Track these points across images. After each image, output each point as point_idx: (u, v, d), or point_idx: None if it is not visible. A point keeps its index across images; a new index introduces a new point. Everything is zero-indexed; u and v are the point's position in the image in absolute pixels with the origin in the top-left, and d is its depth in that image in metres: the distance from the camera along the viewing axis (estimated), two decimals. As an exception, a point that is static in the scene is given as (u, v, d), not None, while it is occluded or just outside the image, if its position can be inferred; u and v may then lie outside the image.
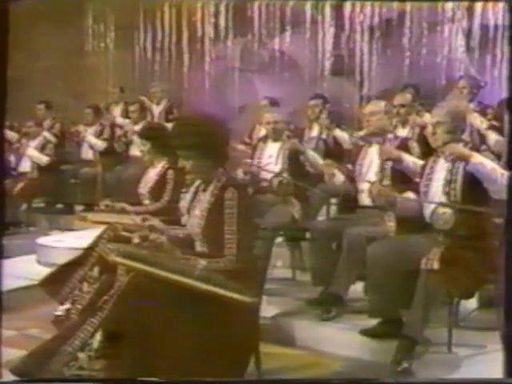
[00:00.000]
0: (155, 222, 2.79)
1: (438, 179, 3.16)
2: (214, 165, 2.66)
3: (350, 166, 3.89)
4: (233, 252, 2.47)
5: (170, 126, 5.90)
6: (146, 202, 4.12)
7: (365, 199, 3.62)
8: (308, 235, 3.92)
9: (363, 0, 6.92)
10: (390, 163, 3.59)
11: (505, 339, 2.53)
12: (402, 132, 4.63)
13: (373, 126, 3.72)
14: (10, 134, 6.70)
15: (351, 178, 3.74)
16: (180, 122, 2.81)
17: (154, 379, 2.32)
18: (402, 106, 4.75)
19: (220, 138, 2.70)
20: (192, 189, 2.75)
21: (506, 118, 2.98)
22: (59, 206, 6.50)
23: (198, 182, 2.74)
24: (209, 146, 2.60)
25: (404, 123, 4.75)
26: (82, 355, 2.41)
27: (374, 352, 3.12)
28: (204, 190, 2.68)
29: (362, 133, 4.12)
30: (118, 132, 6.50)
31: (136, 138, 5.21)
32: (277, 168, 4.23)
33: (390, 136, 3.78)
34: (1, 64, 2.47)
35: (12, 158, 6.34)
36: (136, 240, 2.65)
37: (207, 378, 2.36)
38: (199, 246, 2.64)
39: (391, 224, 3.33)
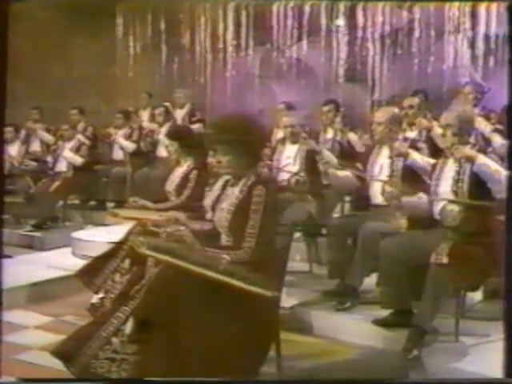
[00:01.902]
0: (179, 214, 2.79)
1: (447, 179, 3.15)
2: (249, 163, 2.62)
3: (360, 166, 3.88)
4: (251, 245, 2.45)
5: (194, 127, 5.98)
6: (172, 199, 4.13)
7: (377, 197, 3.59)
8: (324, 231, 3.92)
9: (376, 0, 6.87)
10: (400, 163, 3.56)
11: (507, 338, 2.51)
12: (411, 134, 4.61)
13: (378, 134, 3.69)
14: (47, 137, 6.79)
15: (362, 178, 3.71)
16: (224, 119, 2.74)
17: (156, 379, 2.32)
18: (411, 107, 4.74)
19: (259, 139, 2.69)
20: (220, 183, 2.73)
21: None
22: (92, 202, 6.55)
23: (226, 177, 2.73)
24: (248, 144, 2.57)
25: (412, 125, 4.72)
26: (115, 340, 2.42)
27: (386, 340, 3.11)
28: (233, 186, 2.66)
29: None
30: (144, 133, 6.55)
31: (163, 139, 5.23)
32: (295, 168, 4.22)
33: (400, 138, 3.75)
34: (1, 64, 2.46)
35: (49, 159, 6.40)
36: (163, 234, 2.65)
37: (231, 364, 2.35)
38: (225, 240, 2.63)
39: (403, 221, 3.31)
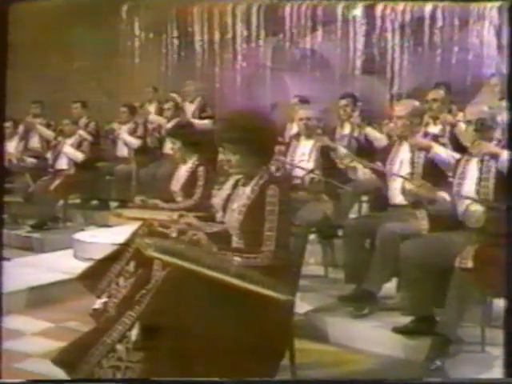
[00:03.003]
0: (191, 218, 2.79)
1: (471, 177, 3.13)
2: (259, 162, 2.62)
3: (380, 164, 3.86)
4: (271, 248, 2.46)
5: (198, 123, 6.00)
6: (179, 198, 4.16)
7: (396, 197, 3.58)
8: (340, 232, 3.92)
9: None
10: (421, 160, 3.55)
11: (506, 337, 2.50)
12: (434, 129, 4.59)
13: (399, 129, 3.68)
14: (47, 132, 6.82)
15: (382, 176, 3.71)
16: (232, 116, 2.74)
17: (157, 379, 2.33)
18: (435, 100, 4.71)
19: (270, 136, 2.68)
20: (231, 182, 2.73)
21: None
22: (95, 202, 6.58)
23: (237, 177, 2.73)
24: (258, 142, 2.57)
25: (435, 119, 4.70)
26: (120, 347, 2.43)
27: (407, 350, 3.10)
28: (244, 185, 2.66)
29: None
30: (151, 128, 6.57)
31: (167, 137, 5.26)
32: (309, 165, 4.22)
33: (420, 133, 3.74)
34: (1, 64, 2.49)
35: (49, 156, 6.43)
36: (174, 234, 2.66)
37: (243, 373, 2.36)
38: (236, 242, 2.63)
39: (424, 222, 3.31)
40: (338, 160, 4.14)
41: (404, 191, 3.29)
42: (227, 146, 2.61)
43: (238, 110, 2.90)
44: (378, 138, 5.08)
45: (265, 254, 2.47)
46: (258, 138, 2.56)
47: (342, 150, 4.28)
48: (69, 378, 2.48)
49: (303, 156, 4.31)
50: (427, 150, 3.47)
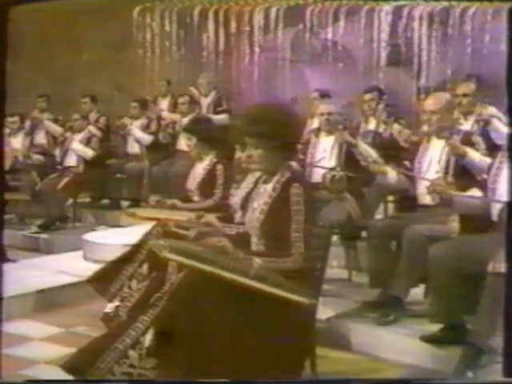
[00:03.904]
0: (211, 218, 2.80)
1: (506, 177, 3.09)
2: (282, 157, 2.63)
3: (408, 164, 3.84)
4: (301, 250, 2.46)
5: (216, 118, 5.99)
6: (195, 197, 4.16)
7: (425, 197, 3.56)
8: (364, 234, 3.90)
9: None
10: (452, 159, 3.52)
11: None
12: (465, 125, 4.55)
13: (434, 125, 3.65)
14: (55, 128, 6.87)
15: (410, 176, 3.68)
16: (255, 109, 2.75)
17: (157, 379, 2.33)
18: (465, 95, 4.67)
19: (294, 131, 2.69)
20: (250, 179, 2.73)
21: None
22: (105, 201, 6.62)
23: (256, 174, 2.73)
24: (282, 136, 2.57)
25: (466, 115, 4.66)
26: (132, 353, 2.44)
27: (436, 360, 3.08)
28: (265, 182, 2.67)
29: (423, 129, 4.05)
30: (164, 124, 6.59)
31: (183, 132, 5.27)
32: (331, 163, 4.21)
33: (453, 130, 3.71)
34: (1, 64, 2.53)
35: (57, 152, 6.47)
36: (192, 235, 2.66)
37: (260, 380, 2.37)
38: (255, 243, 2.63)
39: (454, 223, 3.28)
40: (360, 158, 4.13)
41: (433, 191, 3.26)
42: (249, 141, 2.62)
43: (261, 104, 2.91)
44: (406, 136, 5.04)
45: (295, 256, 2.47)
46: (282, 133, 2.57)
47: (364, 146, 4.27)
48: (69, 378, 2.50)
49: (324, 153, 4.30)
50: (462, 156, 3.43)
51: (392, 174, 3.66)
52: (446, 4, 6.90)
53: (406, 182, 3.67)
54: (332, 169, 4.17)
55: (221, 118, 6.16)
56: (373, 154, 4.29)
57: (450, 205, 3.25)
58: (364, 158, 4.21)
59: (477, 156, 3.44)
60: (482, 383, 2.70)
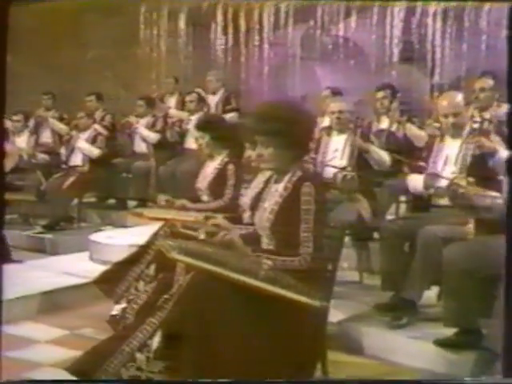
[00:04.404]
0: (220, 219, 2.80)
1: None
2: (294, 156, 2.63)
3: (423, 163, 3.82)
4: (309, 251, 2.46)
5: (228, 117, 6.00)
6: (205, 197, 4.16)
7: (440, 198, 3.55)
8: (376, 235, 3.90)
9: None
10: (469, 157, 3.51)
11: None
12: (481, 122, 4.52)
13: (449, 127, 3.63)
14: (60, 126, 6.90)
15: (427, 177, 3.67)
16: (266, 107, 2.75)
17: (157, 379, 2.33)
18: (483, 89, 4.64)
19: (306, 129, 2.69)
20: (260, 179, 2.73)
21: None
22: (111, 201, 6.64)
23: (268, 173, 2.73)
24: (294, 134, 2.57)
25: (482, 111, 4.63)
26: (140, 356, 2.45)
27: (450, 364, 3.07)
28: (276, 182, 2.67)
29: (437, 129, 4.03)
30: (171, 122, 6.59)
31: (193, 131, 5.27)
32: (342, 162, 4.22)
33: (467, 128, 3.69)
34: (0, 64, 2.54)
35: (63, 151, 6.50)
36: (201, 236, 2.67)
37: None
38: (266, 244, 2.64)
39: (470, 225, 3.26)
40: (373, 162, 4.13)
41: (454, 191, 3.24)
42: (260, 139, 2.62)
43: (272, 101, 2.91)
44: (420, 136, 5.02)
45: (303, 256, 2.47)
46: (294, 131, 2.57)
47: (376, 151, 4.27)
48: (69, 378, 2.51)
49: (336, 152, 4.31)
50: (493, 154, 3.39)
51: (413, 182, 3.64)
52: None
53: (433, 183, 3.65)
54: (343, 168, 4.17)
55: (230, 117, 6.17)
56: (385, 157, 4.30)
57: (467, 205, 3.23)
58: (376, 162, 4.22)
59: (505, 153, 3.41)
60: (482, 383, 2.67)
